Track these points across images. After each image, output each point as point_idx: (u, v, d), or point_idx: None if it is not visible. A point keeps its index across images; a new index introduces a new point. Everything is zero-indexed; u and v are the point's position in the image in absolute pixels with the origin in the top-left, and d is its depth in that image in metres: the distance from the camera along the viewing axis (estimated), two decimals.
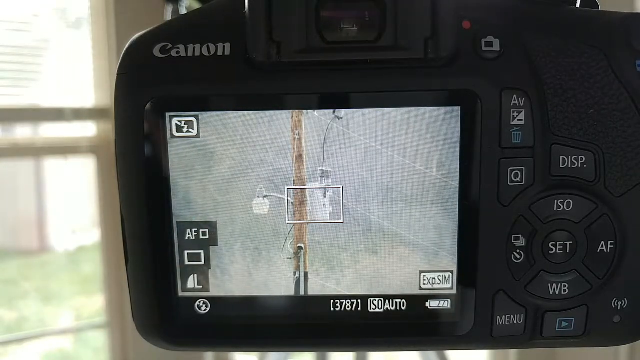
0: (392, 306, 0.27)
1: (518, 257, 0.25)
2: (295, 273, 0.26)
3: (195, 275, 0.27)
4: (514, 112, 0.24)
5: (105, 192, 1.29)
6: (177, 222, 0.26)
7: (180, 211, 0.26)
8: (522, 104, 0.24)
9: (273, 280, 0.27)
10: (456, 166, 0.25)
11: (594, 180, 0.24)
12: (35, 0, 1.36)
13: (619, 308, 0.25)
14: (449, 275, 0.26)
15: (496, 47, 0.24)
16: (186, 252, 0.26)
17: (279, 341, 0.28)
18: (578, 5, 0.26)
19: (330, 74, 0.24)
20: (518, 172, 0.24)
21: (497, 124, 0.24)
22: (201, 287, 0.27)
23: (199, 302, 0.27)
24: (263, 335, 0.27)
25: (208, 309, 0.27)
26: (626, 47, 0.24)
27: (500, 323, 0.26)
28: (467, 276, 0.26)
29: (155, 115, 0.25)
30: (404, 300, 0.26)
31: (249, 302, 0.27)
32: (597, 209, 0.25)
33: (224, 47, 0.25)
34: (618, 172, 0.24)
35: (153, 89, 0.25)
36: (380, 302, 0.27)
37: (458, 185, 0.25)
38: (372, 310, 0.27)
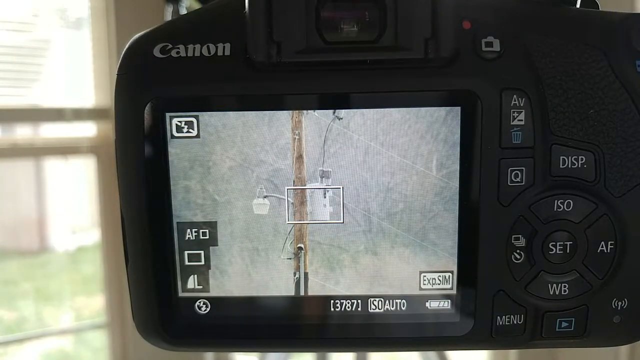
0: (392, 306, 0.27)
1: (518, 257, 0.25)
2: (295, 273, 0.26)
3: (195, 276, 0.27)
4: (514, 112, 0.24)
5: (105, 192, 1.29)
6: (177, 222, 0.26)
7: (180, 211, 0.26)
8: (522, 104, 0.24)
9: (273, 280, 0.27)
10: (456, 166, 0.25)
11: (594, 180, 0.24)
12: (35, 0, 1.36)
13: (619, 308, 0.25)
14: (449, 276, 0.26)
15: (496, 47, 0.24)
16: (186, 252, 0.26)
17: (279, 341, 0.28)
18: (578, 5, 0.26)
19: (330, 74, 0.24)
20: (518, 172, 0.24)
21: (497, 124, 0.24)
22: (201, 287, 0.27)
23: (199, 302, 0.27)
24: (263, 335, 0.27)
25: (208, 309, 0.27)
26: (626, 47, 0.24)
27: (500, 323, 0.26)
28: (467, 276, 0.26)
29: (155, 115, 0.25)
30: (404, 301, 0.26)
31: (249, 303, 0.27)
32: (597, 209, 0.25)
33: (224, 47, 0.25)
34: (618, 172, 0.24)
35: (153, 89, 0.25)
36: (380, 302, 0.27)
37: (458, 186, 0.25)
38: (372, 311, 0.27)
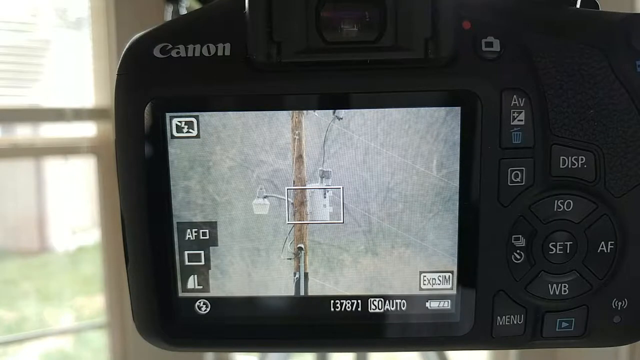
0: (392, 306, 0.27)
1: (518, 257, 0.25)
2: (295, 273, 0.26)
3: (196, 276, 0.27)
4: (514, 112, 0.24)
5: (105, 192, 1.29)
6: (177, 223, 0.26)
7: (180, 211, 0.26)
8: (522, 104, 0.24)
9: (273, 280, 0.27)
10: (456, 167, 0.25)
11: (594, 180, 0.24)
12: (35, 0, 1.36)
13: (619, 308, 0.25)
14: (449, 276, 0.26)
15: (496, 47, 0.24)
16: (186, 252, 0.26)
17: (279, 341, 0.28)
18: (578, 5, 0.26)
19: (330, 74, 0.24)
20: (518, 172, 0.24)
21: (497, 124, 0.24)
22: (201, 287, 0.27)
23: (199, 302, 0.27)
24: (263, 335, 0.27)
25: (208, 309, 0.27)
26: (626, 47, 0.24)
27: (500, 323, 0.26)
28: (467, 276, 0.26)
29: (155, 115, 0.25)
30: (404, 301, 0.26)
31: (249, 303, 0.27)
32: (597, 210, 0.25)
33: (224, 47, 0.25)
34: (618, 172, 0.24)
35: (153, 89, 0.25)
36: (380, 302, 0.27)
37: (458, 186, 0.25)
38: (372, 311, 0.27)
